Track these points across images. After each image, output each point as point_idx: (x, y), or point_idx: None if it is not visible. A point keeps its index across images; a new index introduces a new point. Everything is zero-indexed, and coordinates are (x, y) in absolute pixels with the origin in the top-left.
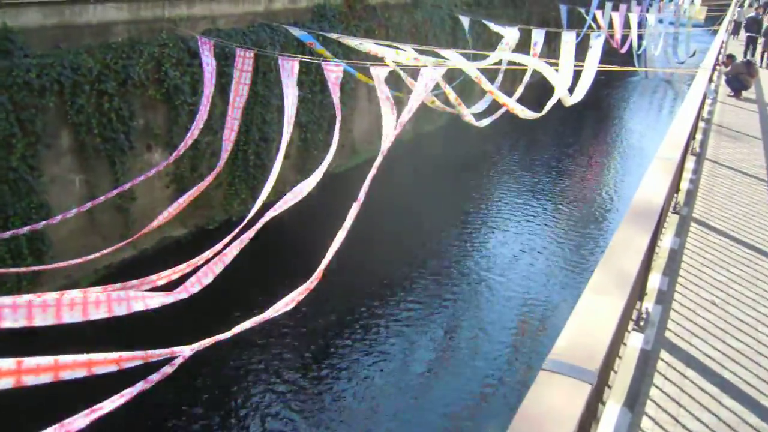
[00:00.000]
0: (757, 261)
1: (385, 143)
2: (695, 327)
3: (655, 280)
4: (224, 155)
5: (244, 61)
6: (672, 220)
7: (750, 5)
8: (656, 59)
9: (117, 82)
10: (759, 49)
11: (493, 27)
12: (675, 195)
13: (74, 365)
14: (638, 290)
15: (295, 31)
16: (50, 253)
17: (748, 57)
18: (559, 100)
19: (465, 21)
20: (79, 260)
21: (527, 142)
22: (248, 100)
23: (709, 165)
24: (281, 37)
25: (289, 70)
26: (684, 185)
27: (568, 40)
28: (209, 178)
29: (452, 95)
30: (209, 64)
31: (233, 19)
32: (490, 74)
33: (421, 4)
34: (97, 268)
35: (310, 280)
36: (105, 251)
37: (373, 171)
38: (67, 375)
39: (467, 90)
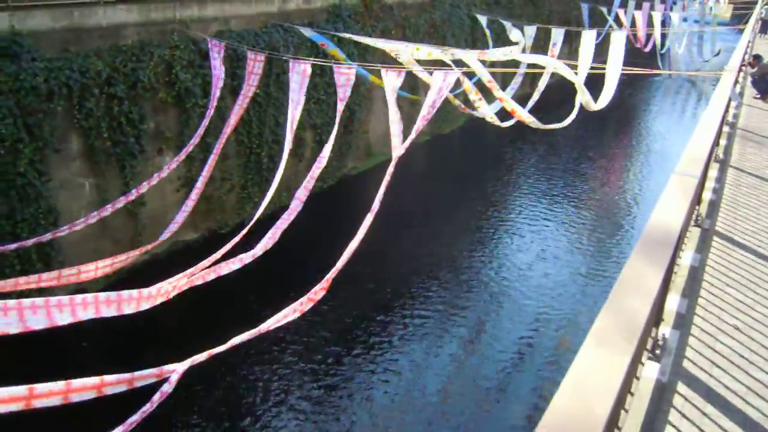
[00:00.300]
0: None
1: (396, 151)
2: (716, 355)
3: (673, 302)
4: (213, 158)
5: (254, 64)
6: (693, 234)
7: None
8: (680, 58)
9: (126, 85)
10: None
11: (509, 27)
12: (696, 207)
13: (50, 394)
14: (654, 315)
15: (307, 32)
16: (59, 258)
17: None
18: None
19: (483, 20)
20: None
21: (546, 145)
22: (260, 103)
23: (734, 173)
24: (295, 38)
25: (301, 73)
26: (707, 195)
27: (588, 39)
28: (204, 175)
29: (472, 93)
30: (216, 68)
31: (245, 19)
32: (508, 77)
33: (439, 4)
34: (108, 273)
35: (314, 289)
36: (118, 260)
37: (386, 180)
38: (40, 404)
39: (485, 89)
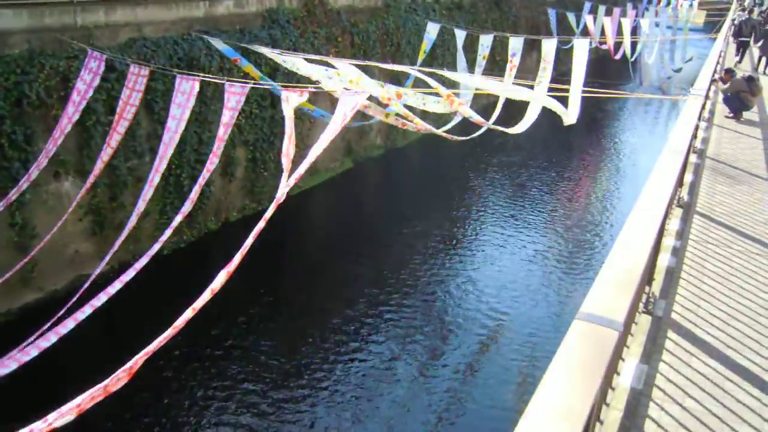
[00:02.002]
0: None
1: (280, 190)
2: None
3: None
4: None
5: (137, 80)
6: (642, 324)
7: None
8: (651, 67)
9: (9, 101)
10: (756, 54)
11: (459, 36)
12: (647, 289)
13: None
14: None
15: (218, 44)
16: None
17: (739, 63)
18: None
19: (433, 28)
20: None
21: (498, 160)
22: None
23: (700, 224)
24: (239, 45)
25: (188, 92)
26: (663, 264)
27: (548, 49)
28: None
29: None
30: (86, 82)
31: (164, 26)
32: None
33: (394, 9)
34: None
35: (113, 377)
36: None
37: (259, 226)
38: None
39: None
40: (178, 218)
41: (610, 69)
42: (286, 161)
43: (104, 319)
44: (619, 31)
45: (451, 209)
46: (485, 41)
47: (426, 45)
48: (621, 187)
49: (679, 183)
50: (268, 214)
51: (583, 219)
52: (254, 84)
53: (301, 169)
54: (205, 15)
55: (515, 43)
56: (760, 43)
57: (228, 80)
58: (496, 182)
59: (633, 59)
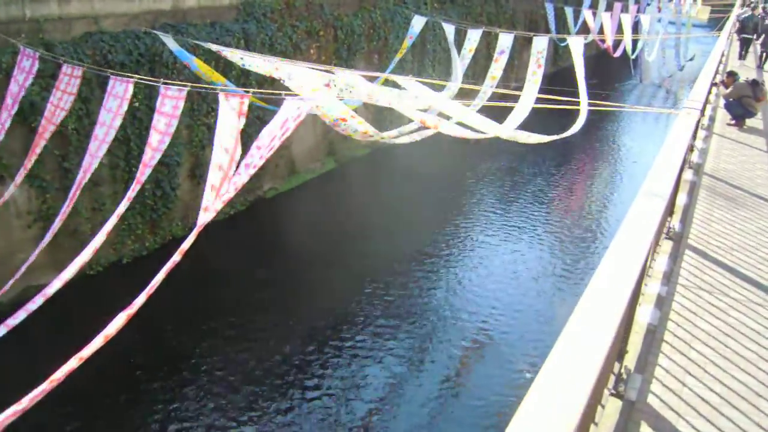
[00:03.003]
0: None
1: (204, 216)
2: None
3: None
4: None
5: (70, 81)
6: (611, 406)
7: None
8: (652, 65)
9: None
10: (758, 50)
11: (449, 32)
12: (618, 365)
13: None
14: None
15: (169, 42)
16: None
17: (742, 60)
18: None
19: (418, 22)
20: None
21: (470, 169)
22: (141, 119)
23: (692, 263)
24: (189, 42)
25: (121, 95)
26: (643, 322)
27: (539, 47)
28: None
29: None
30: (18, 83)
31: (125, 19)
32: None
33: (382, 2)
34: None
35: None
36: None
37: (174, 259)
38: None
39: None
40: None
41: (610, 65)
42: (218, 175)
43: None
44: (620, 28)
45: (441, 215)
46: (473, 35)
47: (408, 40)
48: (610, 207)
49: (670, 209)
50: (185, 245)
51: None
52: (193, 87)
53: (231, 191)
54: (172, 7)
55: (505, 40)
56: (761, 39)
57: (164, 82)
58: (489, 186)
59: (633, 57)
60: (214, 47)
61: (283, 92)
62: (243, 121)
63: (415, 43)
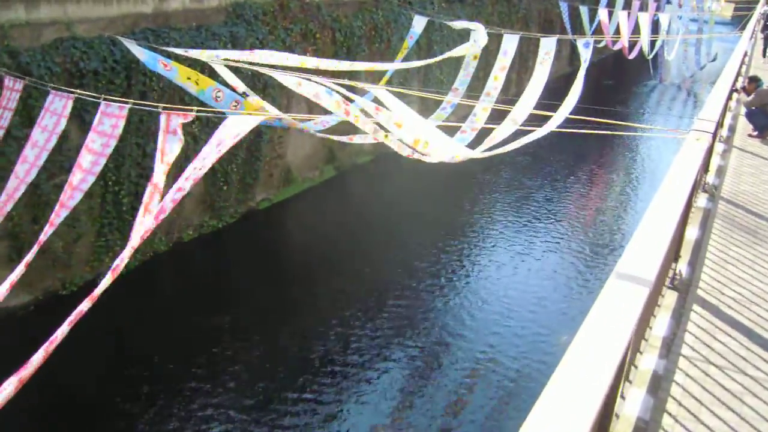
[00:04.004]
0: None
1: (121, 258)
2: None
3: None
4: None
5: (11, 96)
6: None
7: None
8: (673, 63)
9: None
10: None
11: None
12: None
13: None
14: None
15: (133, 47)
16: None
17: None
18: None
19: (419, 22)
20: None
21: (484, 170)
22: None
23: (700, 324)
24: (171, 45)
25: (60, 112)
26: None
27: (548, 49)
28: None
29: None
30: None
31: (101, 24)
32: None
33: (385, 2)
34: None
35: None
36: None
37: (81, 308)
38: None
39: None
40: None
41: (629, 65)
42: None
43: None
44: (636, 28)
45: (446, 227)
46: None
47: (409, 41)
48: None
49: (675, 253)
50: (99, 290)
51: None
52: (135, 104)
53: (146, 222)
54: (154, 10)
55: (509, 42)
56: None
57: (104, 98)
58: (496, 195)
59: (651, 56)
60: (205, 57)
61: (227, 111)
62: (178, 144)
63: (421, 44)
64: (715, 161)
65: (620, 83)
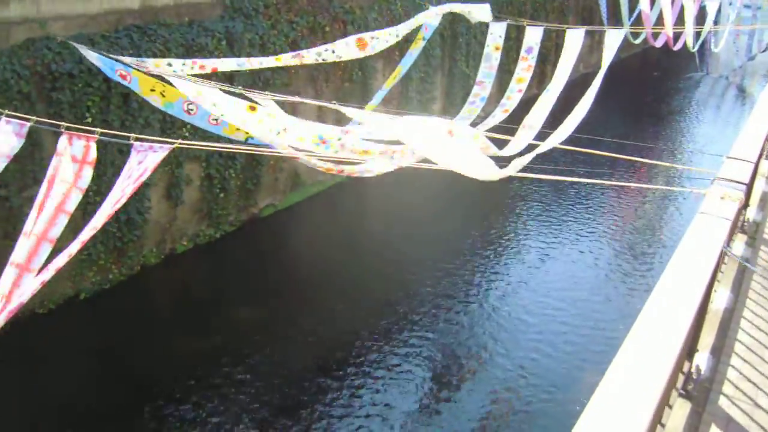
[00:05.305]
0: None
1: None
2: None
3: None
4: None
5: None
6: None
7: None
8: (721, 54)
9: None
10: None
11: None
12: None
13: None
14: None
15: (87, 53)
16: None
17: None
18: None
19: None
20: None
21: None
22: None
23: None
24: (158, 45)
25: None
26: None
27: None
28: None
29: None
30: None
31: (81, 21)
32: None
33: None
34: None
35: None
36: None
37: None
38: None
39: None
40: None
41: (676, 56)
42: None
43: None
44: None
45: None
46: (496, 29)
47: (424, 32)
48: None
49: (689, 346)
50: None
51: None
52: (103, 135)
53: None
54: (141, 6)
55: (533, 35)
56: None
57: (67, 127)
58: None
59: (694, 49)
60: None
61: (132, 135)
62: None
63: (445, 36)
64: (760, 186)
65: (666, 75)
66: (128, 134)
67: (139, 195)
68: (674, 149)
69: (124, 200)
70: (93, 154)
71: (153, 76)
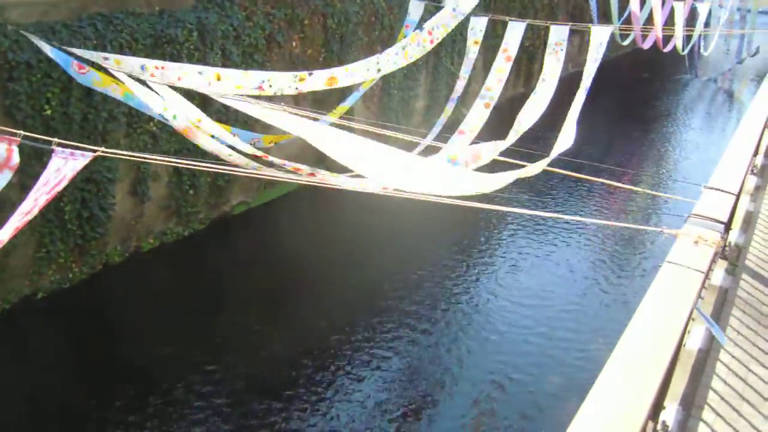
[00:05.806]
0: None
1: None
2: None
3: None
4: None
5: None
6: None
7: None
8: (709, 60)
9: None
10: None
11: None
12: None
13: None
14: None
15: (40, 43)
16: None
17: None
18: None
19: (416, 8)
20: None
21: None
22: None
23: None
24: (125, 36)
25: None
26: None
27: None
28: None
29: None
30: None
31: (42, 8)
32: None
33: None
34: None
35: None
36: None
37: None
38: None
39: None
40: None
41: (662, 59)
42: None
43: None
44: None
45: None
46: (477, 24)
47: (405, 30)
48: None
49: (659, 396)
50: None
51: None
52: (26, 137)
53: None
54: None
55: (514, 32)
56: None
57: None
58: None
59: (684, 52)
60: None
61: (55, 139)
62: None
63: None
64: (743, 205)
65: (655, 77)
66: (50, 138)
67: (103, 190)
68: (651, 173)
69: (36, 211)
70: (15, 158)
71: (111, 75)
